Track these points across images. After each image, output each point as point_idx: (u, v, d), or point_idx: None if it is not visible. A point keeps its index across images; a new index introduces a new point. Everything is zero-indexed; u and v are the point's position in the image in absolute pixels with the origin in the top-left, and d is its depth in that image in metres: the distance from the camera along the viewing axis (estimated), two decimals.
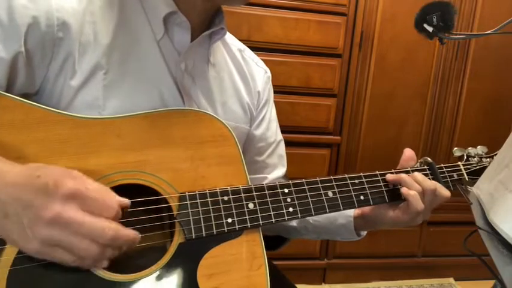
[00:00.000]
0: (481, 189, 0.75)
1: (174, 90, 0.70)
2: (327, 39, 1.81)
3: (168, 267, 0.59)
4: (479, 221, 0.71)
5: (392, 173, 0.76)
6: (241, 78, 0.82)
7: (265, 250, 0.65)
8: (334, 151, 1.95)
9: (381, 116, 1.95)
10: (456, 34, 0.80)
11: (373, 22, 1.85)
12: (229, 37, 0.83)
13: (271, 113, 0.88)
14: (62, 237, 0.47)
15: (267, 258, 0.65)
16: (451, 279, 2.20)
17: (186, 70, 0.71)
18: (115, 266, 0.57)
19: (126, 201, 0.53)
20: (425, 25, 0.77)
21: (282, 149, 0.91)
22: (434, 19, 0.76)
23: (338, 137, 1.94)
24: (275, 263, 0.92)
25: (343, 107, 1.92)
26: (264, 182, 0.86)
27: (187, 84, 0.71)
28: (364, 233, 0.84)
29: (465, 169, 0.82)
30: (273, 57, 1.71)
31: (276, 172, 0.89)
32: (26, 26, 0.57)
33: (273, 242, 0.92)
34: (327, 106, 1.89)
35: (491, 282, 0.78)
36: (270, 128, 0.87)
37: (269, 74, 0.89)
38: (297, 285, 0.91)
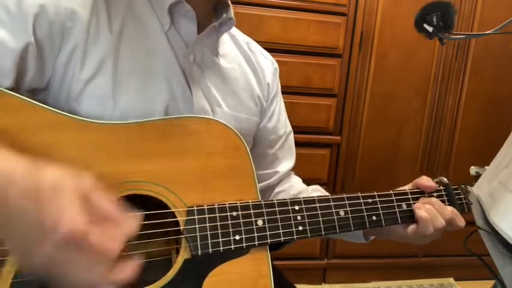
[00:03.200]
0: (481, 189, 0.75)
1: (183, 82, 0.69)
2: (327, 39, 1.81)
3: (173, 284, 0.57)
4: (479, 221, 0.71)
5: (406, 192, 0.74)
6: (251, 69, 0.82)
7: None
8: (334, 151, 1.95)
9: (381, 116, 1.95)
10: (456, 34, 0.80)
11: (373, 22, 1.85)
12: (234, 30, 0.83)
13: (280, 104, 0.88)
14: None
15: None
16: (451, 279, 2.20)
17: (194, 62, 0.71)
18: None
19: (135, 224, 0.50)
20: (425, 25, 0.77)
21: (291, 140, 0.91)
22: (434, 19, 0.76)
23: (338, 137, 1.94)
24: (275, 263, 0.92)
25: (343, 107, 1.92)
26: (275, 177, 0.86)
27: (196, 76, 0.70)
28: (372, 237, 0.84)
29: None
30: (273, 57, 1.71)
31: (286, 164, 0.89)
32: (33, 15, 0.57)
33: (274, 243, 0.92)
34: (327, 106, 1.89)
35: (491, 282, 0.78)
36: (280, 120, 0.87)
37: (276, 65, 0.88)
38: (297, 286, 0.91)
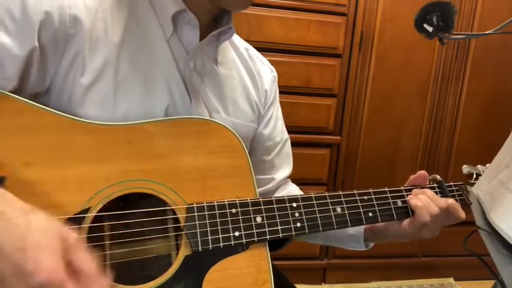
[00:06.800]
0: (481, 189, 0.76)
1: (183, 89, 0.69)
2: (327, 39, 1.81)
3: (174, 280, 0.58)
4: (479, 221, 0.72)
5: (401, 190, 0.76)
6: (249, 76, 0.83)
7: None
8: (334, 151, 1.95)
9: (381, 116, 1.95)
10: (456, 34, 0.80)
11: (373, 22, 1.85)
12: (235, 36, 0.83)
13: (277, 112, 0.89)
14: None
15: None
16: (451, 279, 2.20)
17: (194, 69, 0.71)
18: (119, 277, 0.56)
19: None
20: (425, 25, 0.77)
21: (288, 147, 0.92)
22: (434, 19, 0.76)
23: (338, 137, 1.94)
24: (275, 263, 0.92)
25: (343, 107, 1.92)
26: (271, 184, 0.86)
27: (196, 83, 0.71)
28: (371, 244, 0.84)
29: None
30: (273, 57, 1.69)
31: (283, 172, 0.89)
32: (39, 22, 0.58)
33: (274, 243, 0.92)
34: (327, 106, 1.89)
35: (491, 282, 0.78)
36: (276, 126, 0.88)
37: (275, 73, 0.89)
38: (296, 286, 0.91)
